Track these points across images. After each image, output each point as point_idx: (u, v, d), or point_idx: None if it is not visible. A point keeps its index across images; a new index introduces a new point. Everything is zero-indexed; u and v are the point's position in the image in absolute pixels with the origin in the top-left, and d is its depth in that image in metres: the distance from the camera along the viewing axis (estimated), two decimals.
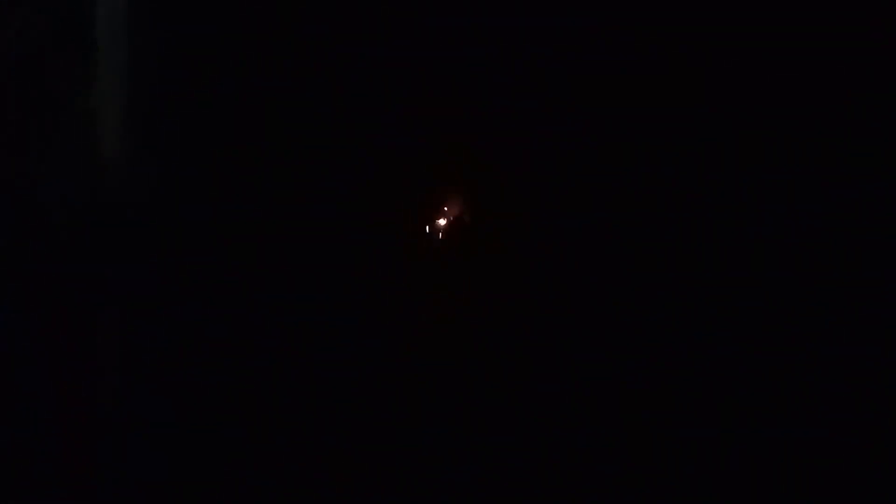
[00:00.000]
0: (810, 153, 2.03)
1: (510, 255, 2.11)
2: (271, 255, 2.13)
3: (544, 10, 2.05)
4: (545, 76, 2.07)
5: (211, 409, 2.15)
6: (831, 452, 2.02)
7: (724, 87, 2.04)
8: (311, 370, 2.13)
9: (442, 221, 2.13)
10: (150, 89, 2.21)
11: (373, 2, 2.09)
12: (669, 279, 2.06)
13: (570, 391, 2.08)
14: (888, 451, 2.01)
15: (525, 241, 2.11)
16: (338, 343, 2.12)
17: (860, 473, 2.02)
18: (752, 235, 2.05)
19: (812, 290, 2.04)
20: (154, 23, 2.21)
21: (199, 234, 2.16)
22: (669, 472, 2.06)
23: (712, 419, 2.05)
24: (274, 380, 2.14)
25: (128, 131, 2.24)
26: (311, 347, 2.13)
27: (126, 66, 2.24)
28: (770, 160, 2.04)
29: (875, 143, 2.02)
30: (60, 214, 2.23)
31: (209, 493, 2.16)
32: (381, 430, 2.11)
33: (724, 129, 2.05)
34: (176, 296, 2.17)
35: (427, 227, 2.13)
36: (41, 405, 2.22)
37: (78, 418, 2.22)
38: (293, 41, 2.12)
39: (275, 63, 2.12)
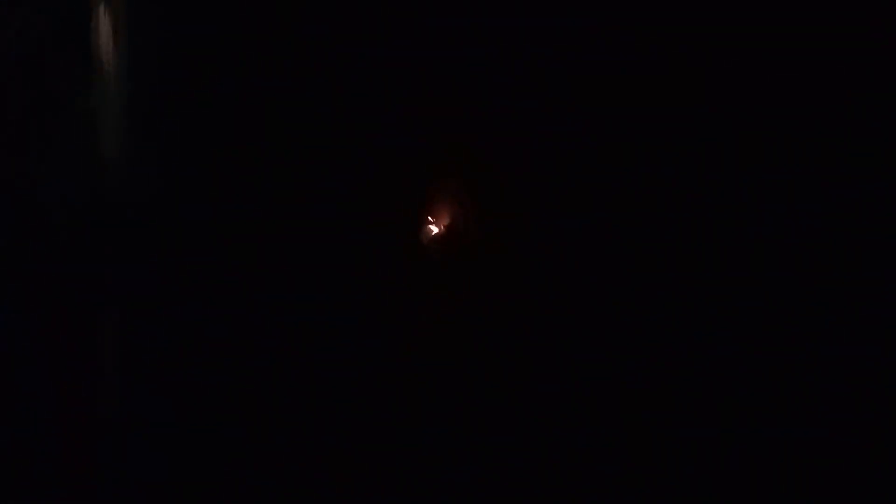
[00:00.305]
0: (810, 153, 2.04)
1: (509, 255, 2.11)
2: (271, 255, 2.13)
3: (544, 10, 2.05)
4: (545, 76, 2.07)
5: (211, 409, 2.15)
6: (831, 452, 2.02)
7: (724, 87, 2.04)
8: (311, 370, 2.13)
9: (441, 222, 2.13)
10: (150, 89, 2.21)
11: (373, 2, 2.09)
12: (669, 279, 2.06)
13: (570, 391, 2.08)
14: (888, 451, 2.01)
15: (525, 241, 2.10)
16: (338, 343, 2.12)
17: (860, 473, 2.02)
18: (752, 235, 2.05)
19: (812, 290, 2.04)
20: (154, 23, 2.21)
21: (199, 234, 2.16)
22: (669, 472, 2.06)
23: (712, 419, 2.05)
24: (274, 380, 2.14)
25: (128, 131, 2.24)
26: (311, 347, 2.13)
27: (126, 66, 2.24)
28: (770, 160, 2.04)
29: (875, 143, 2.02)
30: (60, 214, 2.23)
31: (209, 493, 2.16)
32: (381, 430, 2.11)
33: (724, 129, 2.05)
34: (176, 296, 2.17)
35: (427, 227, 2.13)
36: (41, 405, 2.22)
37: (78, 418, 2.22)
38: (293, 41, 2.12)
39: (275, 63, 2.12)
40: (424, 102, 2.11)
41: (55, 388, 2.23)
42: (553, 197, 2.10)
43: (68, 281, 2.21)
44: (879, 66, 2.01)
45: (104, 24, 2.25)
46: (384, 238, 2.13)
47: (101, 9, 2.25)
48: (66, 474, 2.22)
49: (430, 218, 2.11)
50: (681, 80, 2.04)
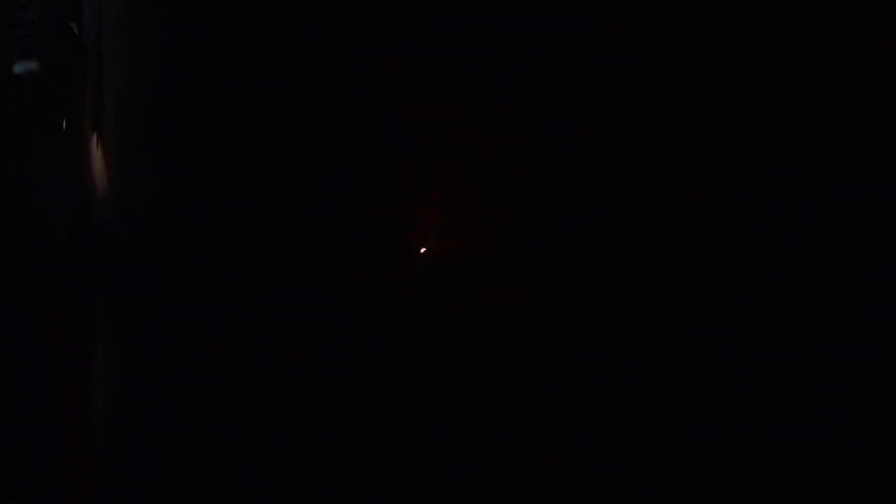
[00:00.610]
0: (810, 153, 2.04)
1: (509, 255, 2.11)
2: (271, 255, 2.13)
3: (544, 10, 2.05)
4: (545, 76, 2.07)
5: (211, 409, 2.15)
6: (831, 453, 2.02)
7: (724, 87, 2.04)
8: (311, 370, 2.13)
9: (440, 222, 2.13)
10: (150, 89, 2.21)
11: (373, 2, 2.09)
12: (669, 280, 2.06)
13: (570, 391, 2.08)
14: (888, 451, 2.01)
15: (524, 241, 2.11)
16: (338, 343, 2.12)
17: (860, 473, 2.02)
18: (752, 235, 2.05)
19: (812, 290, 2.04)
20: (154, 23, 2.21)
21: (199, 234, 2.16)
22: (669, 472, 2.06)
23: (712, 419, 2.05)
24: (274, 380, 2.14)
25: (128, 131, 2.24)
26: (311, 347, 2.13)
27: (126, 66, 2.24)
28: (770, 160, 2.04)
29: (875, 143, 2.02)
30: (60, 214, 2.23)
31: (209, 493, 2.16)
32: (381, 430, 2.11)
33: (724, 129, 2.05)
34: (176, 296, 2.17)
35: (426, 228, 2.13)
36: (41, 405, 2.22)
37: (78, 418, 2.22)
38: (293, 41, 2.12)
39: (275, 63, 2.12)
40: (425, 102, 2.11)
41: (55, 388, 2.23)
42: (553, 196, 2.10)
43: (68, 281, 2.21)
44: (879, 66, 2.01)
45: (105, 24, 2.25)
46: (384, 238, 2.13)
47: (102, 10, 2.25)
48: (66, 474, 2.22)
49: (431, 216, 2.11)
50: (681, 81, 2.04)
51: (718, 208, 2.05)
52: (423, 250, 2.09)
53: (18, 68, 2.16)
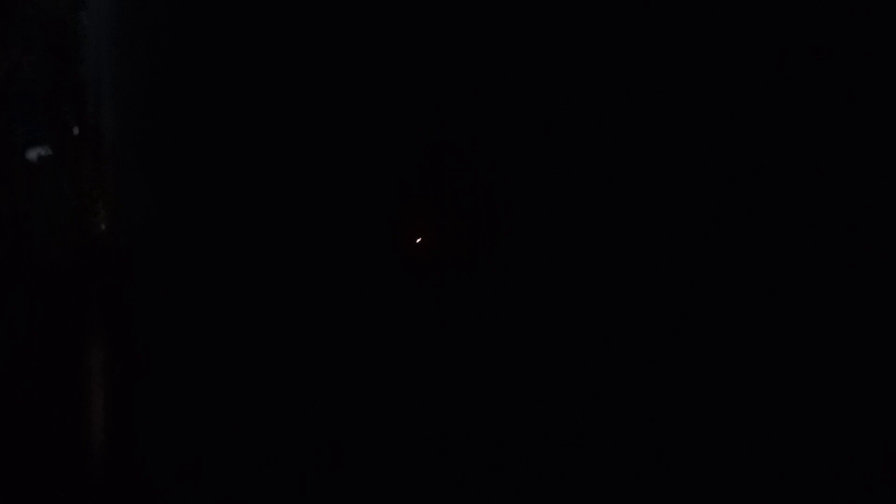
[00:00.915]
0: (810, 153, 2.04)
1: (508, 255, 2.11)
2: (271, 254, 2.13)
3: (544, 10, 2.05)
4: (544, 76, 2.07)
5: (211, 408, 2.16)
6: (831, 452, 2.02)
7: (724, 87, 2.04)
8: (311, 370, 2.13)
9: (439, 222, 2.13)
10: (149, 90, 2.21)
11: (373, 2, 2.09)
12: (669, 279, 2.06)
13: (570, 392, 2.08)
14: (888, 451, 2.01)
15: (523, 241, 2.11)
16: (338, 343, 2.12)
17: (860, 473, 2.02)
18: (752, 235, 2.05)
19: (812, 290, 2.04)
20: (155, 23, 2.22)
21: (200, 234, 2.16)
22: (669, 472, 2.06)
23: (712, 419, 2.05)
24: (274, 380, 2.14)
25: (128, 131, 2.24)
26: (311, 347, 2.13)
27: (127, 66, 2.25)
28: (770, 160, 2.04)
29: (875, 143, 2.02)
30: (60, 215, 2.24)
31: (209, 493, 2.16)
32: (382, 429, 2.12)
33: (724, 129, 2.05)
34: (176, 295, 2.17)
35: (425, 228, 2.13)
36: (41, 405, 2.22)
37: (76, 418, 2.23)
38: (293, 41, 2.13)
39: (274, 63, 2.13)
40: (426, 103, 2.11)
41: (54, 389, 2.23)
42: (552, 197, 2.10)
43: (67, 282, 2.22)
44: (879, 66, 2.01)
45: (105, 25, 2.25)
46: (385, 238, 2.13)
47: (103, 10, 2.26)
48: (66, 474, 2.22)
49: (430, 216, 2.12)
50: (680, 80, 2.05)
51: (718, 208, 2.05)
52: (417, 241, 2.10)
53: (31, 155, 2.17)
